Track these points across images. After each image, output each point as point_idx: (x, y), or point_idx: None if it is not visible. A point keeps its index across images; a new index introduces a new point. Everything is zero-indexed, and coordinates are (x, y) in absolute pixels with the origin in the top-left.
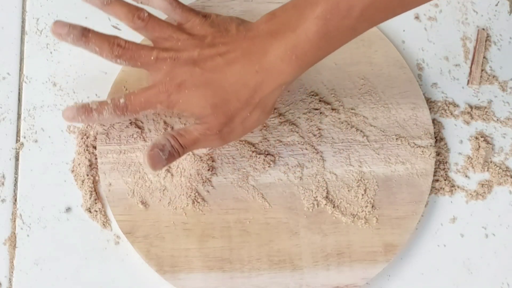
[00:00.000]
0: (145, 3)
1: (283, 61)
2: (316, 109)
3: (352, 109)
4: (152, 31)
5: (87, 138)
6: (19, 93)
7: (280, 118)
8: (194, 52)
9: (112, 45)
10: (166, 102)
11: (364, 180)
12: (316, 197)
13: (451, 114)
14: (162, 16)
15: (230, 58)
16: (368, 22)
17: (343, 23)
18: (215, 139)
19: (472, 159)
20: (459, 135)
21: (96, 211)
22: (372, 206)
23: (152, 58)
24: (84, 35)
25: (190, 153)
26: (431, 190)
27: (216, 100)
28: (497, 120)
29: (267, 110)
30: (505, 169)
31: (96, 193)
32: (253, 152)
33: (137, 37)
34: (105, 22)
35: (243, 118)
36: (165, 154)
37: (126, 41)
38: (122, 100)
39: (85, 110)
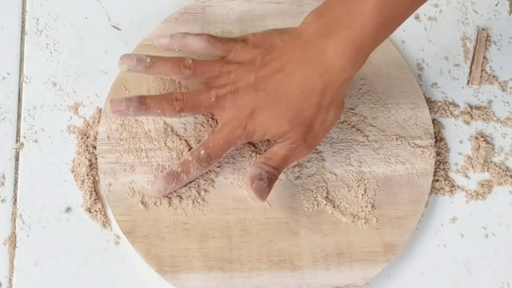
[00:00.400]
0: (183, 49)
1: (343, 58)
2: None
3: (351, 109)
4: (202, 75)
5: (87, 138)
6: (19, 93)
7: None
8: (251, 78)
9: (171, 103)
10: (244, 135)
11: (364, 180)
12: (316, 197)
13: (451, 114)
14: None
15: (288, 71)
16: (419, 2)
17: (397, 10)
18: (302, 150)
19: (472, 159)
20: (459, 135)
21: (96, 211)
22: (372, 206)
23: (212, 99)
24: (143, 103)
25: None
26: (431, 190)
27: (290, 115)
28: (497, 120)
29: (340, 105)
30: (505, 169)
31: (96, 193)
32: (253, 152)
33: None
34: (105, 22)
35: (321, 120)
36: (266, 181)
37: (183, 94)
38: (202, 152)
39: (173, 177)
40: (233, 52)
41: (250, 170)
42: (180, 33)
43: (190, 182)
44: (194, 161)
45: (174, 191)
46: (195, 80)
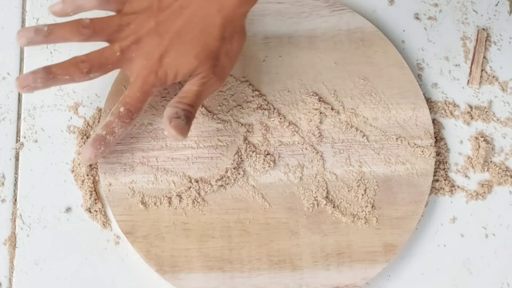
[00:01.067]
0: (78, 11)
1: None
2: (316, 109)
3: (352, 109)
4: (102, 31)
5: (87, 138)
6: (19, 93)
7: (280, 119)
8: (151, 24)
9: (77, 66)
10: (157, 81)
11: (364, 180)
12: (316, 197)
13: (451, 114)
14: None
15: (187, 10)
16: None
17: None
18: (213, 83)
19: (472, 159)
20: (459, 135)
21: (96, 211)
22: (372, 206)
23: (118, 54)
24: (49, 72)
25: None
26: (431, 190)
27: (196, 51)
28: (497, 120)
29: (242, 34)
30: (505, 169)
31: (96, 193)
32: (253, 152)
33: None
34: None
35: (226, 51)
36: (183, 119)
37: (86, 55)
38: (122, 109)
39: (100, 141)
40: (128, 4)
41: (166, 111)
42: None
43: (118, 144)
44: (116, 120)
45: (105, 157)
46: (97, 40)
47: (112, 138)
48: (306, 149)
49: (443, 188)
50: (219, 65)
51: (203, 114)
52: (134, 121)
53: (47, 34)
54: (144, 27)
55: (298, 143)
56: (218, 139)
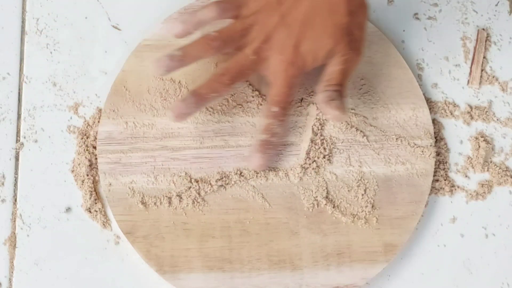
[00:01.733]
0: (199, 27)
1: None
2: (316, 109)
3: (352, 109)
4: (230, 40)
5: (87, 138)
6: (19, 93)
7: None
8: (275, 18)
9: (220, 79)
10: (297, 71)
11: (364, 180)
12: (316, 197)
13: (451, 114)
14: None
15: None
16: None
17: None
18: (353, 57)
19: (472, 159)
20: (459, 135)
21: (96, 211)
22: (372, 206)
23: (251, 57)
24: (197, 95)
25: None
26: (431, 190)
27: (330, 31)
28: (497, 120)
29: (364, 3)
30: (505, 169)
31: (96, 193)
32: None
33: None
34: (105, 22)
35: (357, 24)
36: (339, 98)
37: (225, 68)
38: (274, 108)
39: (265, 145)
40: (244, 7)
41: (319, 97)
42: (186, 14)
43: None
44: (273, 120)
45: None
46: (227, 50)
47: (275, 139)
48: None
49: (443, 188)
50: (354, 39)
51: (202, 114)
52: (289, 116)
53: (181, 58)
54: (269, 24)
55: (298, 143)
56: (218, 139)
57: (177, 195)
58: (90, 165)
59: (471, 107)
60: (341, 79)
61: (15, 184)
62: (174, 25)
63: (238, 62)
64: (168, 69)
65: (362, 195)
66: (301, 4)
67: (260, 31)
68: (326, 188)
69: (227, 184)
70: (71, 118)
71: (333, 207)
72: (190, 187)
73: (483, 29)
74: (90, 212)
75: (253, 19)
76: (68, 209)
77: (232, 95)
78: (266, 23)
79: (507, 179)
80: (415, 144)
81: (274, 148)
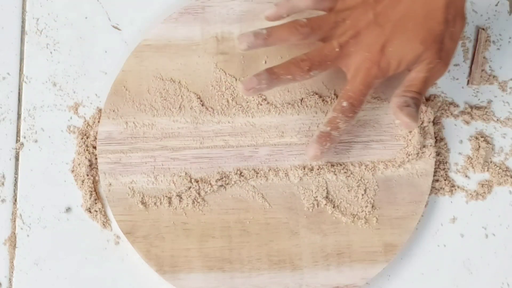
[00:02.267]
0: (291, 12)
1: None
2: (317, 109)
3: None
4: (319, 29)
5: (87, 138)
6: (19, 93)
7: (281, 117)
8: (369, 16)
9: (298, 65)
10: (380, 72)
11: (364, 180)
12: (316, 197)
13: (451, 114)
14: None
15: None
16: None
17: None
18: (439, 68)
19: (472, 159)
20: (459, 135)
21: (96, 211)
22: (372, 206)
23: (336, 49)
24: (272, 73)
25: None
26: (431, 190)
27: (422, 36)
28: (497, 120)
29: (463, 16)
30: (505, 169)
31: (96, 193)
32: (253, 152)
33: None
34: (105, 22)
35: (450, 34)
36: (414, 107)
37: (306, 54)
38: (345, 103)
39: (325, 137)
40: (340, 1)
41: (394, 101)
42: None
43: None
44: (340, 115)
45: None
46: (313, 39)
47: (337, 133)
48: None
49: (443, 188)
50: (444, 49)
51: (202, 114)
52: (357, 114)
53: (266, 37)
54: (362, 20)
55: (298, 143)
56: (218, 139)
57: (177, 195)
58: (90, 165)
59: (470, 107)
60: (422, 87)
61: (15, 184)
62: (267, 10)
63: (322, 52)
64: (250, 46)
65: (362, 195)
66: (398, 5)
67: (351, 26)
68: (326, 188)
69: (227, 184)
70: (71, 118)
71: (333, 207)
72: (190, 187)
73: (483, 29)
74: (90, 212)
75: (347, 14)
76: (68, 209)
77: (233, 95)
78: (359, 19)
79: (507, 179)
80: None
81: (332, 142)
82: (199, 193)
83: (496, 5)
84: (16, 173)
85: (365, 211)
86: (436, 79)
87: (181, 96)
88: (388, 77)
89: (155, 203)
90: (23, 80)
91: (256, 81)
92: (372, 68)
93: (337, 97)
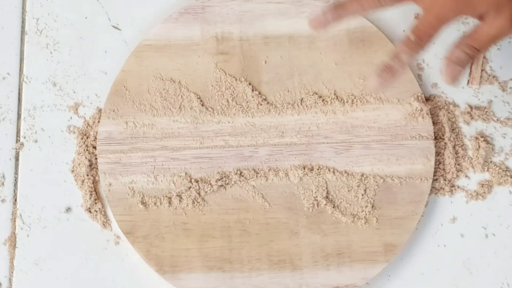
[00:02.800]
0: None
1: None
2: (317, 109)
3: (352, 109)
4: None
5: (87, 138)
6: (19, 93)
7: (280, 117)
8: None
9: (372, 2)
10: (456, 8)
11: (364, 180)
12: (316, 197)
13: (451, 114)
14: None
15: None
16: None
17: None
18: (508, 27)
19: (472, 159)
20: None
21: (96, 211)
22: (372, 206)
23: None
24: (339, 6)
25: None
26: (431, 190)
27: None
28: (497, 120)
29: None
30: (505, 169)
31: (96, 193)
32: (253, 152)
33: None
34: (105, 22)
35: None
36: (463, 66)
37: None
38: (412, 37)
39: (388, 69)
40: None
41: (451, 52)
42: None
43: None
44: (405, 48)
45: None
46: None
47: (400, 67)
48: (306, 148)
49: (443, 188)
50: None
51: (202, 114)
52: (422, 50)
53: (341, 11)
54: None
55: (298, 143)
56: (218, 139)
57: (177, 195)
58: (90, 165)
59: (471, 107)
60: (486, 45)
61: (15, 184)
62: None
63: None
64: (325, 25)
65: (362, 195)
66: None
67: None
68: (326, 188)
69: (227, 184)
70: (71, 118)
71: (333, 207)
72: (190, 187)
73: None
74: (90, 212)
75: None
76: (68, 209)
77: (233, 95)
78: None
79: (507, 179)
80: (416, 145)
81: (393, 75)
82: (199, 193)
83: None
84: (16, 173)
85: (365, 211)
86: (499, 40)
87: (181, 96)
88: (462, 16)
89: (155, 203)
90: (23, 80)
91: (323, 19)
92: (448, 3)
93: (337, 97)
